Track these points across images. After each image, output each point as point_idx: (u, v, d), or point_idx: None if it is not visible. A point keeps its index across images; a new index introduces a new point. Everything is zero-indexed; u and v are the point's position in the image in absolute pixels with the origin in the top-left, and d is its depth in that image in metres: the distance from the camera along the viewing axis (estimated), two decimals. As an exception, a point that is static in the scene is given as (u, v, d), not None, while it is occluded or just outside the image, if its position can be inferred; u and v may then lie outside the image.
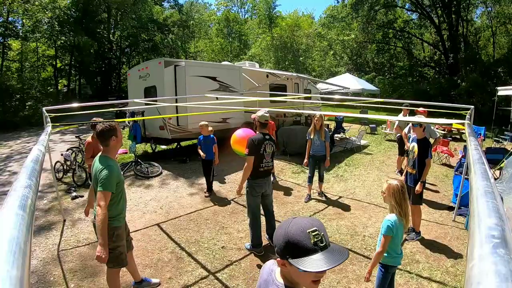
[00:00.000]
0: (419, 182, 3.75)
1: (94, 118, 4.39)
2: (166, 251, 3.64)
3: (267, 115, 3.51)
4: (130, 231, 4.08)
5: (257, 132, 3.53)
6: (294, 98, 8.52)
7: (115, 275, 2.60)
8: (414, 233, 3.89)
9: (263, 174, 3.52)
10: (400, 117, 6.46)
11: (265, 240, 3.77)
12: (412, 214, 3.87)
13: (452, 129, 10.86)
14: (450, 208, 4.80)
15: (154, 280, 3.05)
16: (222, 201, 5.27)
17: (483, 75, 19.21)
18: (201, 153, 5.39)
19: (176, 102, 7.17)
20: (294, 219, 0.94)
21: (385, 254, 2.30)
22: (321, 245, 0.87)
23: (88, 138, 4.15)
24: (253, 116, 3.65)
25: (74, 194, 5.41)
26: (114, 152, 2.53)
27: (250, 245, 3.64)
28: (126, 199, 2.68)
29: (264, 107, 7.92)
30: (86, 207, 2.95)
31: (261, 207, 3.71)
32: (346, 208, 4.93)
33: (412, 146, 3.96)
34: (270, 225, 3.76)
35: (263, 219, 3.78)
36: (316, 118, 5.12)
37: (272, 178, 4.34)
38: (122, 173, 2.55)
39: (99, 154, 2.51)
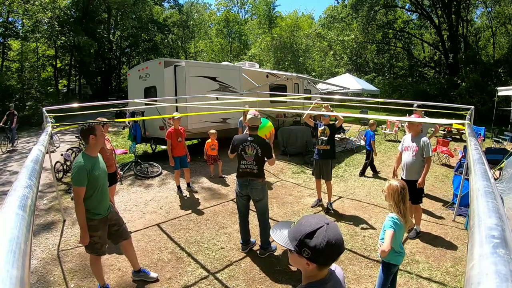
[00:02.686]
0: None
1: (98, 118, 4.39)
2: (166, 251, 3.64)
3: (257, 118, 3.40)
4: (131, 231, 4.09)
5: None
6: (294, 98, 8.52)
7: (95, 261, 2.81)
8: (414, 230, 3.91)
9: (243, 175, 3.41)
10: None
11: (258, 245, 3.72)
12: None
13: (452, 129, 10.86)
14: (450, 208, 4.80)
15: (152, 274, 3.11)
16: (222, 201, 5.27)
17: (483, 75, 19.22)
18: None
19: (176, 102, 7.17)
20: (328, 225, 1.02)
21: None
22: None
23: None
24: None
25: (74, 194, 5.40)
26: (95, 149, 2.71)
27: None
28: (105, 194, 2.76)
29: (264, 107, 7.94)
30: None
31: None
32: (346, 208, 4.93)
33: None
34: (261, 233, 3.56)
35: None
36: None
37: None
38: (100, 169, 2.72)
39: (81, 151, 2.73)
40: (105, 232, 2.75)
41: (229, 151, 3.54)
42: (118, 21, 29.74)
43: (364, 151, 9.09)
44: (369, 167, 6.82)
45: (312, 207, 5.00)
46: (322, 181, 4.93)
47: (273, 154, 3.47)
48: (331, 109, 4.80)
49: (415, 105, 5.96)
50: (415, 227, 3.94)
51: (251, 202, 3.57)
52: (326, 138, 4.70)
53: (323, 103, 4.79)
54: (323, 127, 4.76)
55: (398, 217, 2.29)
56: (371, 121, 6.82)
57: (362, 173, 6.74)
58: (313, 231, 0.99)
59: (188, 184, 5.82)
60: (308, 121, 4.87)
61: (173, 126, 5.45)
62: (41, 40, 19.68)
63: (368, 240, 3.86)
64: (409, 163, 3.92)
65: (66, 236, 4.04)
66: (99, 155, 2.79)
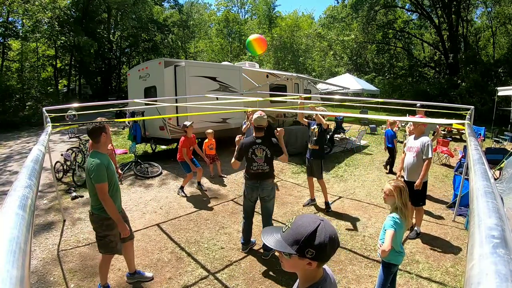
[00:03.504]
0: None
1: (98, 118, 4.40)
2: (166, 251, 3.64)
3: (263, 118, 3.37)
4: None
5: (253, 135, 3.48)
6: (294, 98, 8.52)
7: (107, 260, 2.81)
8: (414, 231, 3.91)
9: (254, 177, 3.42)
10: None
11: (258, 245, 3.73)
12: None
13: (452, 129, 10.87)
14: (450, 208, 4.81)
15: (147, 274, 3.11)
16: (222, 201, 5.27)
17: (483, 75, 19.22)
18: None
19: (176, 102, 7.17)
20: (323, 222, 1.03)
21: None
22: None
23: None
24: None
25: (74, 194, 5.41)
26: (105, 147, 2.74)
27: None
28: (119, 191, 2.79)
29: (264, 107, 7.89)
30: None
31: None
32: (346, 208, 4.93)
33: None
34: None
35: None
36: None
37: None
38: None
39: (91, 150, 2.70)
40: (118, 231, 2.72)
41: (234, 158, 3.46)
42: (118, 21, 29.72)
43: (365, 151, 9.13)
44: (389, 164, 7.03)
45: (303, 205, 5.04)
46: (315, 179, 4.98)
47: (284, 150, 3.43)
48: (323, 108, 4.84)
49: (418, 104, 5.95)
50: (415, 228, 3.94)
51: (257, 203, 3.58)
52: (315, 138, 4.76)
53: (311, 103, 4.85)
54: (314, 126, 4.83)
55: (400, 217, 2.29)
56: (390, 120, 6.98)
57: (390, 171, 6.90)
58: (315, 230, 0.99)
59: (198, 183, 5.90)
60: (302, 121, 4.90)
61: (185, 135, 5.49)
62: (41, 40, 19.67)
63: (368, 240, 3.86)
64: (409, 164, 3.90)
65: (66, 236, 4.04)
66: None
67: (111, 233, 2.65)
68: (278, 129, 3.58)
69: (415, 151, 3.85)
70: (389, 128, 7.01)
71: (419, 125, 3.90)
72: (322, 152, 4.83)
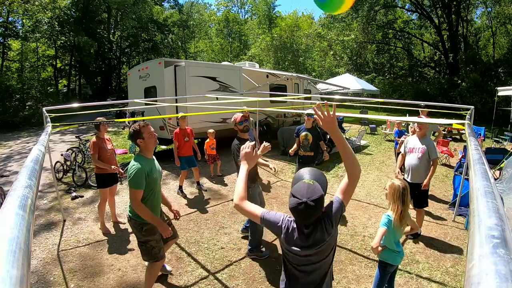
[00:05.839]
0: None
1: (98, 118, 4.43)
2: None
3: (232, 120, 3.45)
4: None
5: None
6: (294, 98, 8.52)
7: (152, 270, 2.66)
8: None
9: None
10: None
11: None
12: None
13: (452, 129, 10.86)
14: (450, 208, 4.81)
15: (168, 268, 3.19)
16: (222, 201, 5.27)
17: (483, 75, 19.21)
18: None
19: (176, 102, 7.17)
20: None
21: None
22: None
23: (93, 138, 4.14)
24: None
25: (74, 194, 5.41)
26: (147, 151, 2.54)
27: None
28: (160, 196, 2.75)
29: (264, 107, 7.91)
30: None
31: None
32: (346, 208, 4.91)
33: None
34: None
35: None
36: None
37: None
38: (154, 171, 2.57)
39: (136, 153, 2.60)
40: (160, 235, 2.61)
41: None
42: (118, 21, 29.75)
43: (365, 151, 9.13)
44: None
45: None
46: None
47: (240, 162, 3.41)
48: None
49: (422, 104, 5.89)
50: None
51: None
52: (308, 144, 4.61)
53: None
54: (304, 133, 4.69)
55: (394, 216, 2.29)
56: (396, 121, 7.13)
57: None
58: (293, 195, 1.38)
59: (197, 183, 5.86)
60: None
61: (179, 127, 5.48)
62: (41, 40, 19.71)
63: (368, 240, 3.86)
64: (414, 165, 3.80)
65: (66, 236, 4.04)
66: (154, 157, 2.67)
67: (152, 238, 2.53)
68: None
69: (421, 152, 3.75)
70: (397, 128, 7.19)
71: (426, 126, 3.88)
72: (316, 158, 4.68)
